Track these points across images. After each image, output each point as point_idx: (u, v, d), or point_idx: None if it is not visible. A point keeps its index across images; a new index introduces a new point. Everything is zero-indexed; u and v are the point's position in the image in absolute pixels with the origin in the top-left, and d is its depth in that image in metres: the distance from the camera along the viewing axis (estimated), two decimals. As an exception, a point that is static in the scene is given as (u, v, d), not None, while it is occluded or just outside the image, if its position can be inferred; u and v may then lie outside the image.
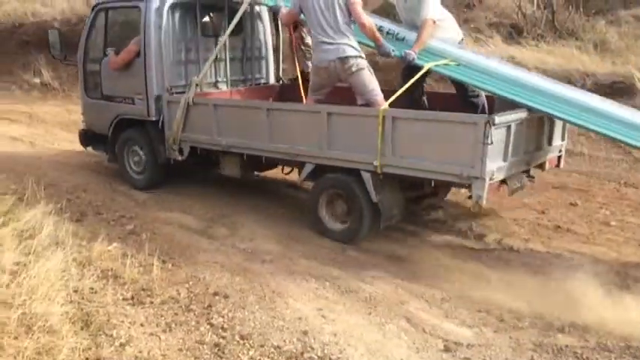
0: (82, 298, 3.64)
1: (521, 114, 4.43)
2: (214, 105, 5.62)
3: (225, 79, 6.45)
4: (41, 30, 12.62)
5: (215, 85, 6.44)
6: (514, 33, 10.04)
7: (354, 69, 4.82)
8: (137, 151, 6.29)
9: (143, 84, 5.95)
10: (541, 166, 5.16)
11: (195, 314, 3.61)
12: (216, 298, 3.85)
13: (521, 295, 3.88)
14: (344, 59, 4.80)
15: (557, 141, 5.20)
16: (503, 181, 4.51)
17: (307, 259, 4.58)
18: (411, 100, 5.13)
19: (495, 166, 4.21)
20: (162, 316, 3.57)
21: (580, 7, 10.01)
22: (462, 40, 5.54)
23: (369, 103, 4.83)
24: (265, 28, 6.80)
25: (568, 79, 7.33)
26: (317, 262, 4.50)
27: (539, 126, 4.86)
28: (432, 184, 4.60)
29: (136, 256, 4.43)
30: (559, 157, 5.34)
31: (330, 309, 3.71)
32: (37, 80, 12.75)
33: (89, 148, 6.97)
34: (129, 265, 4.18)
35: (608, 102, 4.66)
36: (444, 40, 5.10)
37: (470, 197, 4.37)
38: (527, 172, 4.97)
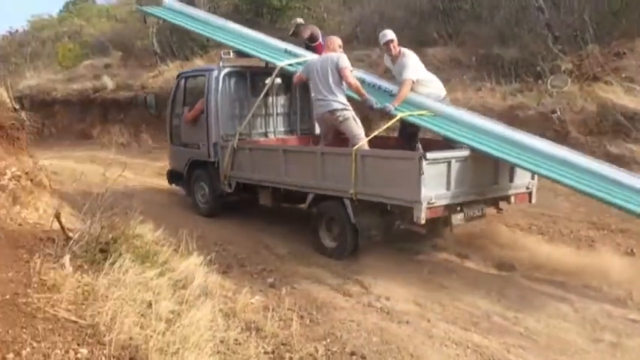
0: (228, 349, 3.80)
1: (463, 153, 5.44)
2: (249, 149, 7.17)
3: (273, 130, 7.99)
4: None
5: (265, 134, 7.98)
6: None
7: (341, 119, 6.13)
8: (203, 185, 7.82)
9: (205, 133, 7.57)
10: (507, 200, 6.02)
11: (333, 373, 3.61)
12: (353, 358, 3.82)
13: None
14: (332, 111, 6.13)
15: (522, 179, 5.93)
16: (460, 209, 5.56)
17: (447, 322, 4.42)
18: (408, 144, 6.45)
19: (434, 193, 5.17)
20: (301, 372, 3.62)
21: None
22: (446, 96, 6.79)
23: (354, 145, 5.87)
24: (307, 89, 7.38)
25: None
26: (457, 327, 4.33)
27: (494, 165, 5.63)
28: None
29: (277, 310, 4.57)
30: (529, 194, 6.04)
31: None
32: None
33: (173, 185, 8.73)
34: (270, 319, 4.31)
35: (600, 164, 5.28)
36: (428, 96, 6.35)
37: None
38: (495, 204, 6.04)
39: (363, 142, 5.96)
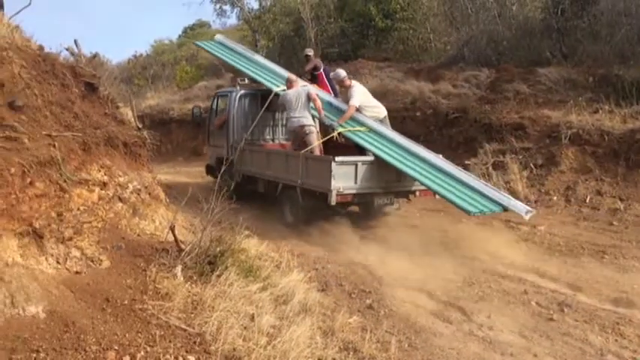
0: (326, 368, 3.84)
1: (368, 158, 7.67)
2: (250, 150, 9.53)
3: (277, 137, 10.25)
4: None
5: (272, 140, 10.24)
6: None
7: (307, 132, 8.41)
8: (226, 177, 8.48)
9: (225, 138, 10.04)
10: (413, 194, 8.04)
11: (431, 401, 3.52)
12: (453, 387, 3.71)
13: None
14: (302, 126, 8.41)
15: None
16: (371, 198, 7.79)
17: (555, 357, 4.17)
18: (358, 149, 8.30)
19: (343, 185, 7.33)
20: (398, 397, 3.57)
21: None
22: (385, 117, 8.79)
23: (311, 151, 8.20)
24: None
25: None
26: (567, 364, 4.07)
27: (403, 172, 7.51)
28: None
29: (374, 332, 4.55)
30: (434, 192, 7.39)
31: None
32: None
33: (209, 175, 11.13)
34: (367, 340, 4.30)
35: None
36: (373, 117, 8.58)
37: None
38: (403, 196, 8.19)
39: (314, 147, 8.32)
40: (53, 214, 4.20)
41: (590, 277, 5.93)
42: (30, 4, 8.55)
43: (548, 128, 10.24)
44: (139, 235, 5.32)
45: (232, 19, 27.07)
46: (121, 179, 5.60)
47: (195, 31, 34.86)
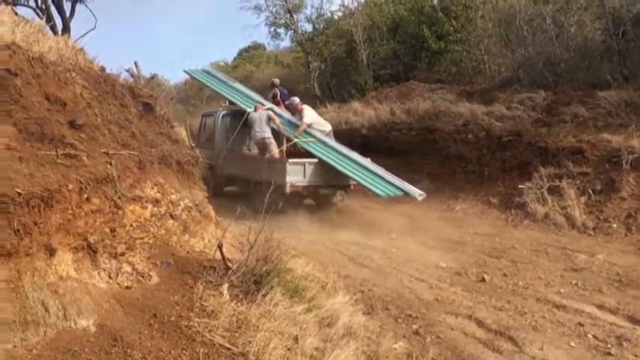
0: (369, 394, 3.77)
1: (314, 160, 10.48)
2: (230, 157, 11.94)
3: (251, 147, 12.23)
4: (353, 133, 14.67)
5: (248, 149, 12.32)
6: None
7: (267, 143, 11.02)
8: (211, 178, 10.21)
9: (212, 148, 11.91)
10: (349, 187, 10.73)
11: None
12: (501, 421, 3.56)
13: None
14: (263, 139, 11.07)
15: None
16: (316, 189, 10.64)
17: (612, 396, 3.94)
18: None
19: (294, 179, 10.15)
20: None
21: None
22: (330, 131, 11.84)
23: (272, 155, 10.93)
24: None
25: None
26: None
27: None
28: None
29: (420, 359, 4.44)
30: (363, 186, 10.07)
31: None
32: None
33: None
34: (413, 367, 4.20)
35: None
36: (321, 131, 11.52)
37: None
38: (344, 188, 10.91)
39: (274, 153, 10.96)
40: (107, 230, 4.34)
41: (652, 311, 5.61)
42: (95, 27, 9.00)
43: (608, 153, 9.84)
44: (188, 252, 5.42)
45: (286, 42, 27.55)
46: (173, 197, 5.74)
47: (251, 52, 35.71)
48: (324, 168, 10.41)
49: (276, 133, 11.45)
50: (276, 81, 13.90)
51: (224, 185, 12.07)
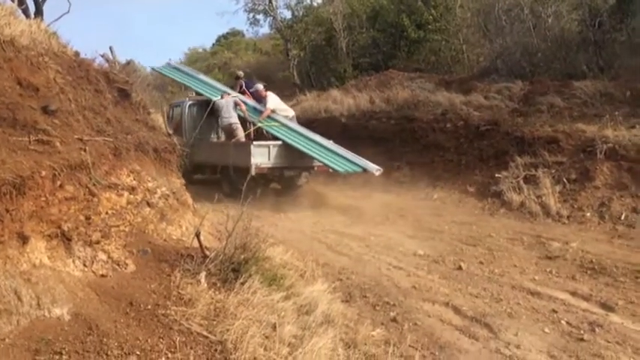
0: (347, 381, 3.78)
1: (278, 143, 11.02)
2: (198, 145, 11.98)
3: (218, 135, 12.96)
4: (332, 122, 14.69)
5: (217, 137, 12.98)
6: None
7: (234, 127, 11.67)
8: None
9: (181, 136, 11.79)
10: (312, 168, 11.25)
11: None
12: (477, 406, 3.61)
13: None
14: (230, 124, 11.74)
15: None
16: (281, 171, 11.12)
17: (584, 380, 4.02)
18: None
19: (259, 161, 10.59)
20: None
21: None
22: (293, 116, 12.65)
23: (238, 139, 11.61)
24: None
25: None
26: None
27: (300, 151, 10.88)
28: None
29: (398, 346, 4.47)
30: (327, 168, 10.70)
31: None
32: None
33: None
34: (391, 354, 4.23)
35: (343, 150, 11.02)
36: (284, 116, 12.21)
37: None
38: (307, 170, 11.39)
39: (241, 137, 11.61)
40: (82, 218, 4.26)
41: (623, 297, 5.73)
42: (69, 11, 8.80)
43: (583, 143, 9.99)
44: (165, 240, 5.36)
45: (265, 28, 27.32)
46: (150, 184, 5.67)
47: (229, 39, 35.33)
48: (287, 150, 10.90)
49: (244, 120, 12.03)
50: (241, 73, 14.62)
51: (193, 173, 12.13)
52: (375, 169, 10.47)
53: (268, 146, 10.85)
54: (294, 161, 11.02)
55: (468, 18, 17.75)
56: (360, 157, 10.77)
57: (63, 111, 4.79)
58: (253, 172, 10.09)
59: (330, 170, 10.73)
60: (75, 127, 4.81)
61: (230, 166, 11.24)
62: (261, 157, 10.65)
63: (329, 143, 11.15)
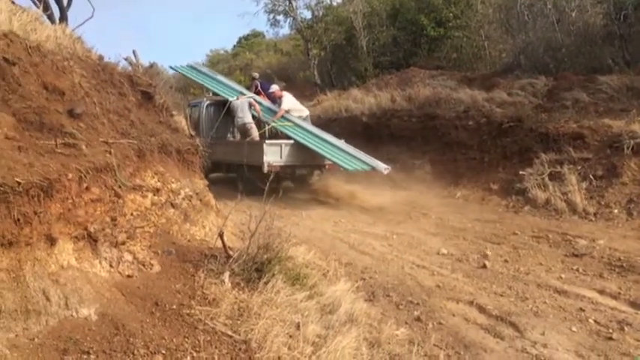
0: (371, 380, 3.78)
1: (290, 142, 11.36)
2: (215, 143, 11.27)
3: (234, 134, 13.47)
4: (353, 121, 14.69)
5: (233, 136, 13.48)
6: None
7: (248, 127, 12.16)
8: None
9: (199, 135, 10.81)
10: (323, 166, 11.55)
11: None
12: (503, 406, 3.57)
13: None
14: (245, 123, 12.19)
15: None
16: (293, 169, 11.40)
17: (613, 380, 3.95)
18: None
19: (272, 159, 10.89)
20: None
21: None
22: (307, 116, 13.10)
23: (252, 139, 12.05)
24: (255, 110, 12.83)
25: None
26: (626, 387, 3.85)
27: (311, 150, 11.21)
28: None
29: (422, 345, 4.45)
30: (336, 165, 10.95)
31: None
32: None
33: None
34: (415, 353, 4.21)
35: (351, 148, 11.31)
36: (298, 116, 12.54)
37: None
38: (319, 168, 11.74)
39: (255, 137, 12.00)
40: (107, 219, 4.32)
41: (653, 296, 5.61)
42: (92, 16, 8.93)
43: (610, 138, 9.80)
44: (189, 240, 5.41)
45: (285, 29, 27.45)
46: (174, 185, 5.73)
47: (250, 40, 35.53)
48: (299, 148, 11.22)
49: (259, 120, 12.41)
50: (256, 74, 15.12)
51: (210, 171, 12.61)
52: (383, 167, 10.68)
53: (280, 145, 11.16)
54: (305, 160, 11.32)
55: (490, 14, 17.55)
56: (370, 157, 11.00)
57: (88, 114, 4.86)
58: (266, 169, 10.50)
59: (341, 169, 10.97)
60: (100, 130, 4.88)
61: (244, 164, 11.56)
62: (274, 155, 10.93)
63: (340, 142, 11.40)
